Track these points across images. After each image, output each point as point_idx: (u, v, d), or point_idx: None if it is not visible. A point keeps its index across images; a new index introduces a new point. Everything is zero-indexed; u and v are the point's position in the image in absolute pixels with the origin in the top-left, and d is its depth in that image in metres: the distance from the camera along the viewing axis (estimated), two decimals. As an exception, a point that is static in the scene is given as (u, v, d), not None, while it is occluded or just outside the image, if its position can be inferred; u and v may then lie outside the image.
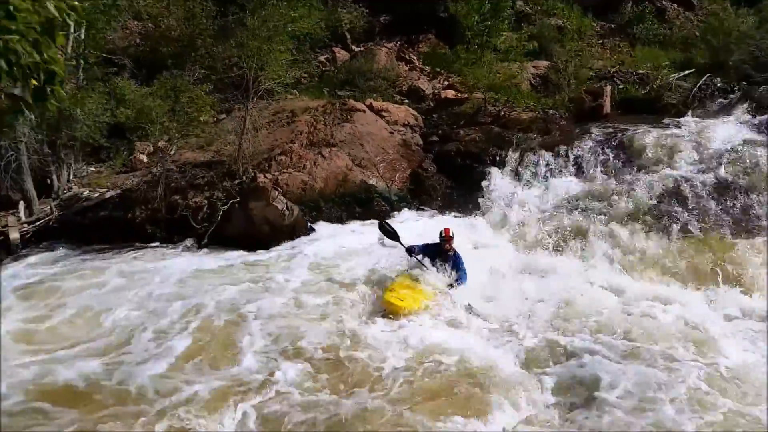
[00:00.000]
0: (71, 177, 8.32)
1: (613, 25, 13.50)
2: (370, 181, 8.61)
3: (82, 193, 8.02)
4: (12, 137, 7.49)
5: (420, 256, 6.02)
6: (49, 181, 8.07)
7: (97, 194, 8.00)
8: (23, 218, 7.57)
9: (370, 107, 10.07)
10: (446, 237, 6.05)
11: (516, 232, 7.77)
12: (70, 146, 8.21)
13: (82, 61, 8.78)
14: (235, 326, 5.23)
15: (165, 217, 7.72)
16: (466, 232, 7.93)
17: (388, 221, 6.74)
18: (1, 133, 7.20)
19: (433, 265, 5.96)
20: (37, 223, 7.55)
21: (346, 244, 7.23)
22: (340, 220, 8.08)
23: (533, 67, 12.01)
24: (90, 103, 8.01)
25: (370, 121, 9.66)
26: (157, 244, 7.45)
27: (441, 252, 6.05)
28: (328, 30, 11.76)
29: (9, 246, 7.14)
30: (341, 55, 12.93)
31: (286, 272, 6.45)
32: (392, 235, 6.31)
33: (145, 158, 8.93)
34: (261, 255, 7.05)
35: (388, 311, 5.42)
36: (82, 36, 8.76)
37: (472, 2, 11.45)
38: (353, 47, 13.30)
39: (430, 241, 6.19)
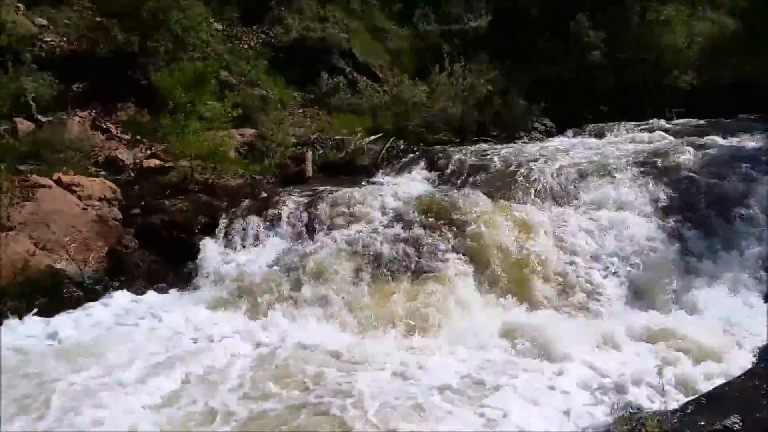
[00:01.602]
0: None
1: (312, 96, 14.49)
2: (59, 266, 7.68)
3: None
4: None
5: None
6: None
7: None
8: None
9: (59, 182, 9.11)
10: None
11: (234, 298, 7.61)
12: None
13: None
14: None
15: None
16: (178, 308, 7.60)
17: None
18: None
19: None
20: None
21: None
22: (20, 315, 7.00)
23: (239, 134, 12.20)
24: None
25: (58, 197, 8.72)
26: None
27: None
28: (5, 100, 10.52)
29: None
30: (24, 126, 11.56)
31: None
32: None
33: None
34: None
35: None
36: None
37: (176, 73, 11.29)
38: (40, 117, 12.02)
39: None
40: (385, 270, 7.62)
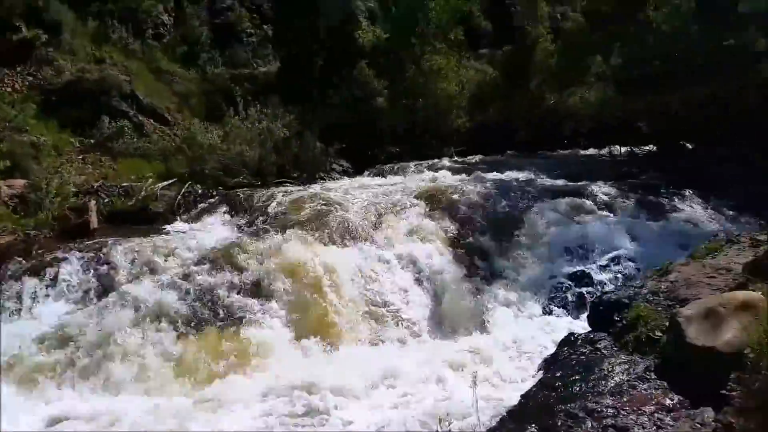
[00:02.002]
0: None
1: (93, 141, 13.30)
2: None
3: None
4: None
5: None
6: None
7: None
8: None
9: None
10: None
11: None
12: None
13: None
14: None
15: None
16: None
17: None
18: None
19: None
20: None
21: None
22: None
23: (7, 186, 10.79)
24: None
25: None
26: None
27: None
28: None
29: None
30: None
31: None
32: None
33: None
34: None
35: None
36: None
37: None
38: None
39: None
40: (174, 328, 7.14)
